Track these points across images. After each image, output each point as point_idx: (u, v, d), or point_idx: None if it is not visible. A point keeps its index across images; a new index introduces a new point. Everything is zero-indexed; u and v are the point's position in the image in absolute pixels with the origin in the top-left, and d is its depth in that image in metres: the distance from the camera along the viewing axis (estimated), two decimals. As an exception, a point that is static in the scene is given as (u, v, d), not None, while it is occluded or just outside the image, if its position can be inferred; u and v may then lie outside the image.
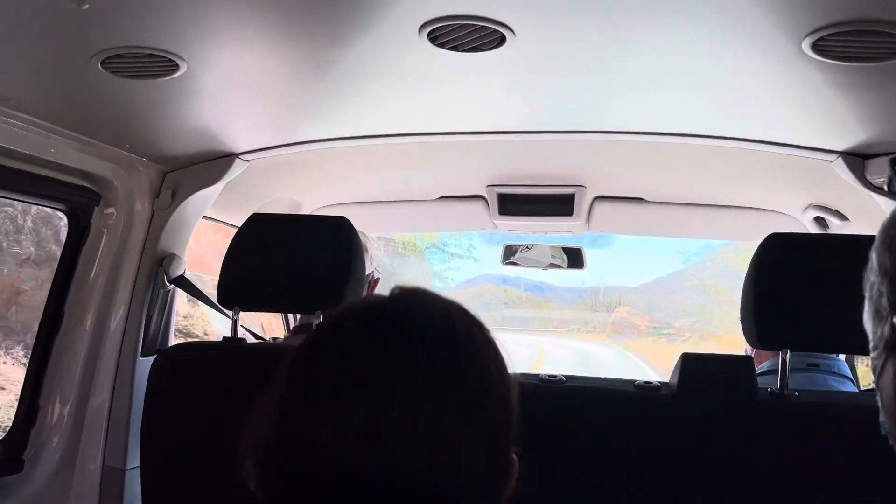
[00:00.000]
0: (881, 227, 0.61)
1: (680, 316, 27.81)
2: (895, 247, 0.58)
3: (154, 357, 1.72)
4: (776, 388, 1.41)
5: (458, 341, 0.69)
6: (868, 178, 1.61)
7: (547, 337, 25.62)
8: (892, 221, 0.60)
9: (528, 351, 18.82)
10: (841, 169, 1.62)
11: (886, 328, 0.59)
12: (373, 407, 0.64)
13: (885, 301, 0.59)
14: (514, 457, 0.72)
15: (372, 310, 0.71)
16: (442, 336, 0.69)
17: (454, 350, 0.68)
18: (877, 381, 0.63)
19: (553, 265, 2.77)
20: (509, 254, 2.75)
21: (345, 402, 0.65)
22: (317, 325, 0.77)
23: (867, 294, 0.62)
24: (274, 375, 0.71)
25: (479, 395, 0.68)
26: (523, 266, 2.77)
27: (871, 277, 0.61)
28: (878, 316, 0.60)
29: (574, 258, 2.71)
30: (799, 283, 1.41)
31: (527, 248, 2.75)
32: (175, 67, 1.26)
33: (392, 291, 0.73)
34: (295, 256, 1.61)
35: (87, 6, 1.02)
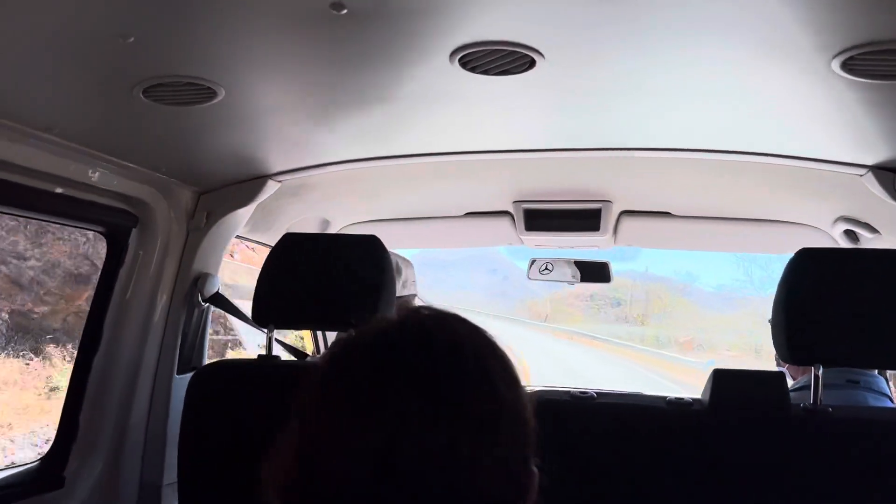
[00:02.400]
0: None
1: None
2: None
3: (190, 374, 1.76)
4: (809, 404, 1.41)
5: (465, 365, 0.69)
6: None
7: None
8: None
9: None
10: (871, 183, 1.62)
11: None
12: (384, 435, 0.64)
13: None
14: (534, 469, 0.72)
15: (385, 332, 0.71)
16: (448, 361, 0.68)
17: (462, 374, 0.68)
18: None
19: (579, 279, 2.77)
20: (535, 267, 2.75)
21: (357, 431, 0.65)
22: (331, 349, 0.77)
23: None
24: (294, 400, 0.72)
25: (491, 415, 0.68)
26: (550, 280, 2.77)
27: None
28: None
29: (600, 272, 2.72)
30: (830, 297, 1.41)
31: (552, 262, 2.75)
32: (213, 94, 1.30)
33: (399, 315, 0.73)
34: (328, 274, 1.64)
35: (132, 39, 1.06)
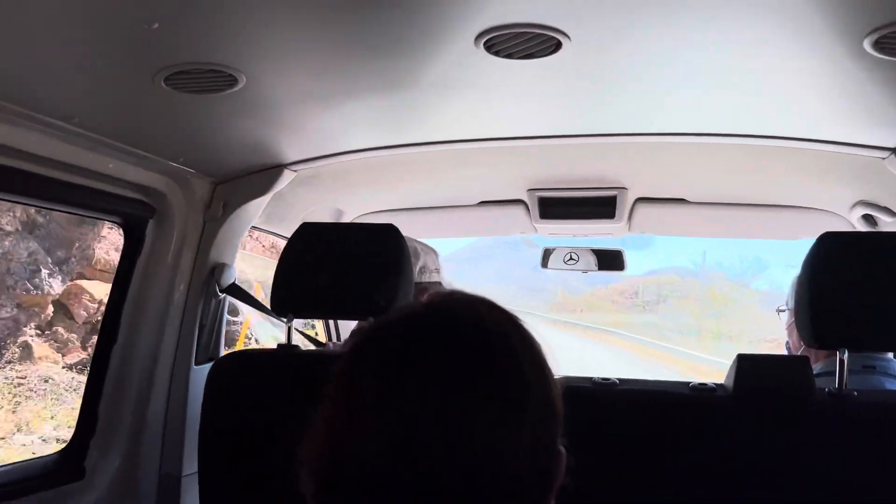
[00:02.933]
0: None
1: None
2: None
3: (207, 365, 1.75)
4: (834, 389, 1.40)
5: (490, 346, 0.69)
6: None
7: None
8: None
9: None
10: (893, 166, 1.61)
11: None
12: (408, 418, 0.64)
13: None
14: (562, 449, 0.72)
15: (408, 319, 0.72)
16: (473, 342, 0.69)
17: (487, 356, 0.68)
18: None
19: (593, 268, 2.76)
20: (549, 256, 2.75)
21: (383, 414, 0.65)
22: (356, 338, 0.77)
23: None
24: (324, 385, 0.72)
25: (517, 397, 0.68)
26: (564, 269, 2.76)
27: None
28: None
29: (615, 260, 2.71)
30: (854, 281, 1.40)
31: (567, 251, 2.74)
32: (234, 82, 1.29)
33: (427, 300, 0.74)
34: (345, 263, 1.63)
35: (156, 25, 1.06)
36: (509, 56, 1.21)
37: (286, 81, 1.36)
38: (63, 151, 1.48)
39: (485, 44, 1.17)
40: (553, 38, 1.14)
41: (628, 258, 2.70)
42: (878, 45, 1.08)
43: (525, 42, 1.16)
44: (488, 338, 0.69)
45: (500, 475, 0.66)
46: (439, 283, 1.90)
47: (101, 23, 1.06)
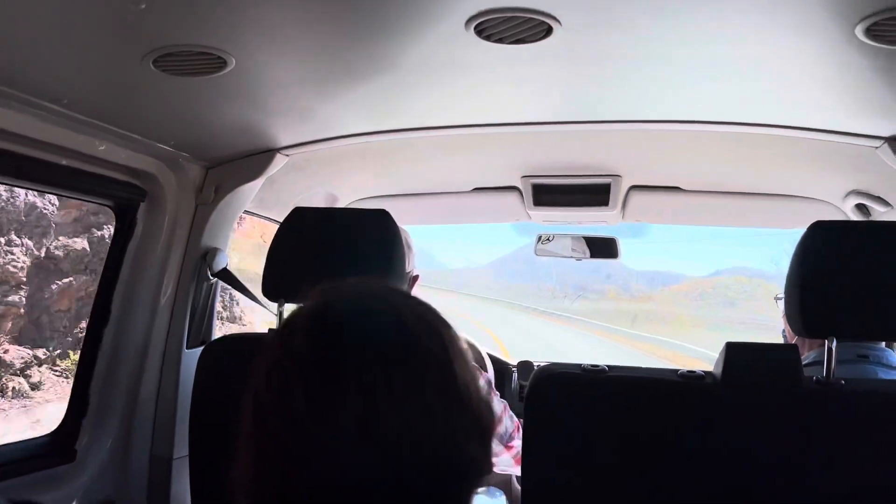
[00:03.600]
0: None
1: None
2: None
3: (199, 349, 1.75)
4: (822, 377, 1.41)
5: (415, 333, 0.70)
6: None
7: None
8: None
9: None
10: (886, 155, 1.60)
11: None
12: (364, 404, 0.65)
13: None
14: (489, 401, 0.73)
15: (314, 316, 0.72)
16: (397, 333, 0.70)
17: (413, 342, 0.69)
18: None
19: (586, 255, 2.76)
20: (543, 243, 2.74)
21: (329, 410, 0.65)
22: (270, 339, 0.77)
23: None
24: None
25: (451, 376, 0.69)
26: (557, 256, 2.77)
27: None
28: None
29: (609, 248, 2.71)
30: (844, 270, 1.40)
31: (561, 237, 2.74)
32: (224, 64, 1.28)
33: (330, 293, 0.74)
34: (337, 249, 1.63)
35: (143, 6, 1.05)
36: (500, 41, 1.21)
37: (276, 65, 1.35)
38: (53, 134, 1.47)
39: (475, 28, 1.16)
40: (544, 22, 1.13)
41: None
42: (870, 33, 1.08)
43: (516, 27, 1.15)
44: (408, 324, 0.70)
45: (454, 439, 0.67)
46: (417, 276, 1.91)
47: (88, 3, 1.05)
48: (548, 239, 2.76)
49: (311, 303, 0.73)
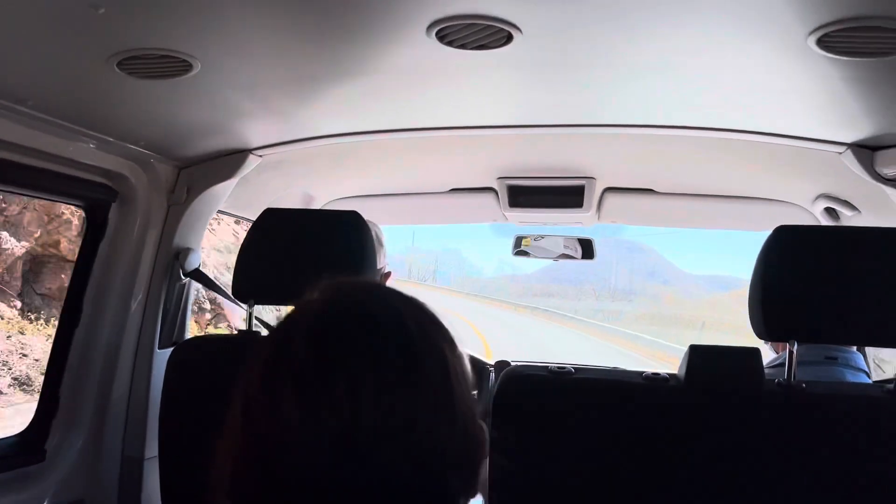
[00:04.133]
0: None
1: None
2: None
3: (171, 349, 1.76)
4: (783, 380, 1.42)
5: (408, 333, 0.69)
6: (877, 169, 1.61)
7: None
8: None
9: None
10: (850, 161, 1.62)
11: None
12: (347, 407, 0.64)
13: None
14: (483, 424, 0.73)
15: (313, 318, 0.71)
16: (391, 331, 0.69)
17: (407, 342, 0.69)
18: None
19: (565, 255, 2.78)
20: (520, 244, 2.76)
21: (314, 412, 0.64)
22: (264, 338, 0.76)
23: None
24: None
25: (443, 378, 0.69)
26: (534, 257, 2.78)
27: None
28: None
29: (585, 249, 2.73)
30: (806, 274, 1.41)
31: (538, 238, 2.76)
32: (189, 67, 1.28)
33: (327, 292, 0.73)
34: (308, 250, 1.63)
35: (102, 10, 1.05)
36: (463, 46, 1.22)
37: (242, 68, 1.35)
38: (21, 135, 1.47)
39: (437, 34, 1.17)
40: (504, 30, 1.14)
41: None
42: (821, 44, 1.09)
43: (476, 33, 1.16)
44: (404, 323, 0.70)
45: (438, 450, 0.67)
46: (389, 273, 1.91)
47: (48, 5, 1.05)
48: (527, 239, 2.78)
49: (311, 303, 0.72)
